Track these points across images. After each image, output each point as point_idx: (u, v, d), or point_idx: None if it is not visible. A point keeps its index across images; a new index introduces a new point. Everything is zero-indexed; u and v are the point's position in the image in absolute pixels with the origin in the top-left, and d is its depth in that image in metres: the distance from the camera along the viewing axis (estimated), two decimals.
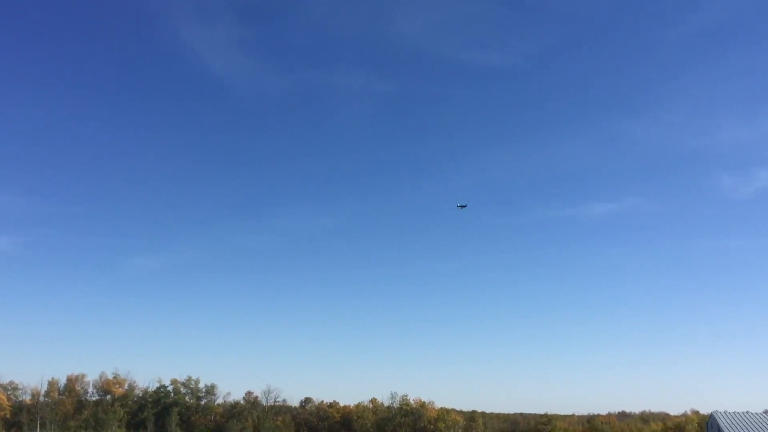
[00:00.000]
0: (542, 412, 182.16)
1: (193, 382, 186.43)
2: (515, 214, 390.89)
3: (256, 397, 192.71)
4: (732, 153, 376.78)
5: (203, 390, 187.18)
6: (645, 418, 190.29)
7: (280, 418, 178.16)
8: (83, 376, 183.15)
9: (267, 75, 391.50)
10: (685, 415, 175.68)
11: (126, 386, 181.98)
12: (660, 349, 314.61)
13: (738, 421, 67.61)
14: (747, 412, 73.06)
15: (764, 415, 75.98)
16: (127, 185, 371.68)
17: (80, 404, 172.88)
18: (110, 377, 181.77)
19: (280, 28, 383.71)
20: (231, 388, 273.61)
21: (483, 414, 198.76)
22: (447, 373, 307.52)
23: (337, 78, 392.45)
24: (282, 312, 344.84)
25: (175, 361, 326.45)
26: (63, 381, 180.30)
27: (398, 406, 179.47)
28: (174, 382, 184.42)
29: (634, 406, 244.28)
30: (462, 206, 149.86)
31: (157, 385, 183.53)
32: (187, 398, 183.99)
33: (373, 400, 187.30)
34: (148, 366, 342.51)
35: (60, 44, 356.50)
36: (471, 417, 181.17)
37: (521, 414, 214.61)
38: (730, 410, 73.05)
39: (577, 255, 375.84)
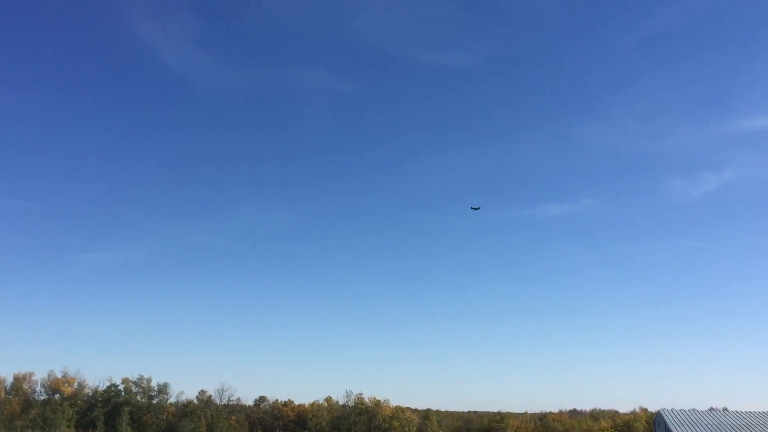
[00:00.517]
0: (495, 410, 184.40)
1: (144, 381, 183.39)
2: (474, 215, 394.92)
3: (210, 396, 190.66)
4: (683, 157, 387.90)
5: (155, 389, 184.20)
6: (595, 415, 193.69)
7: (233, 418, 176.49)
8: (31, 374, 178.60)
9: (225, 72, 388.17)
10: (634, 412, 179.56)
11: (75, 385, 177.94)
12: (611, 348, 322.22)
13: (684, 419, 69.42)
14: (693, 410, 75.05)
15: (709, 412, 78.19)
16: (78, 181, 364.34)
17: (27, 403, 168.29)
18: (59, 376, 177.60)
19: (239, 24, 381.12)
20: (184, 387, 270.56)
21: (437, 412, 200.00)
22: (402, 372, 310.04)
23: (297, 76, 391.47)
24: (236, 310, 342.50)
25: (126, 360, 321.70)
26: (10, 380, 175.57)
27: (353, 404, 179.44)
28: (125, 381, 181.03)
29: (585, 404, 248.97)
30: (475, 208, 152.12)
31: (108, 384, 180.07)
32: (138, 397, 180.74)
33: (328, 399, 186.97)
34: (99, 365, 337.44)
35: (12, 39, 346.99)
36: (425, 415, 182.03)
37: (475, 412, 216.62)
38: (677, 408, 74.96)
39: (533, 255, 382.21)
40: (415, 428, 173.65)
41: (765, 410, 73.66)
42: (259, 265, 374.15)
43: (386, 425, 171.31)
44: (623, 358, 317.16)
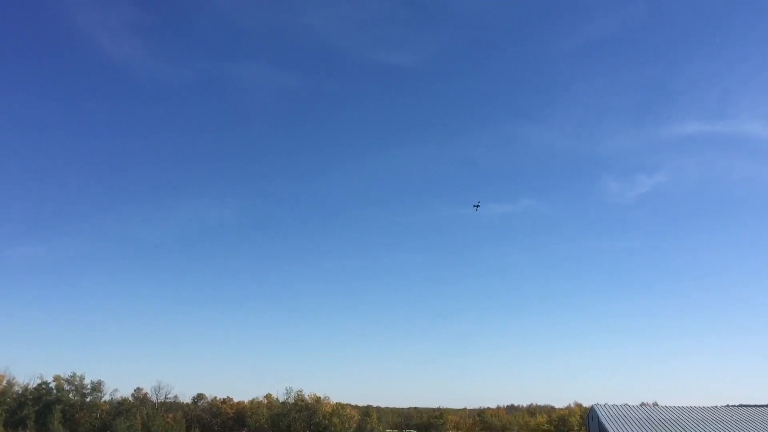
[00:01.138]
0: (435, 407, 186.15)
1: (77, 379, 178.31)
2: (415, 212, 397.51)
3: (146, 393, 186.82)
4: (618, 160, 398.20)
5: (89, 387, 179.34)
6: (532, 410, 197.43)
7: (170, 415, 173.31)
8: None
9: (167, 64, 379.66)
10: (568, 407, 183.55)
11: (4, 383, 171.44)
12: (547, 346, 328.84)
13: (615, 413, 71.34)
14: (625, 405, 77.23)
15: (640, 407, 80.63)
16: (9, 174, 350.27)
17: None
18: None
19: (182, 16, 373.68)
20: (119, 385, 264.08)
21: (378, 409, 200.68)
22: (343, 369, 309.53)
23: (241, 71, 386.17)
24: (174, 307, 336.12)
25: (59, 357, 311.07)
26: None
27: (293, 401, 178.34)
28: (57, 378, 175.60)
29: (522, 400, 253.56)
30: (476, 206, 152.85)
31: (39, 381, 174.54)
32: (71, 395, 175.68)
33: (267, 396, 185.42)
34: (30, 362, 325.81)
35: None
36: (366, 412, 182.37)
37: (415, 408, 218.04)
38: (610, 403, 77.02)
39: (474, 254, 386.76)
40: (355, 424, 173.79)
41: (693, 405, 76.45)
42: (199, 261, 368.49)
43: (326, 422, 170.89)
44: (559, 355, 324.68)
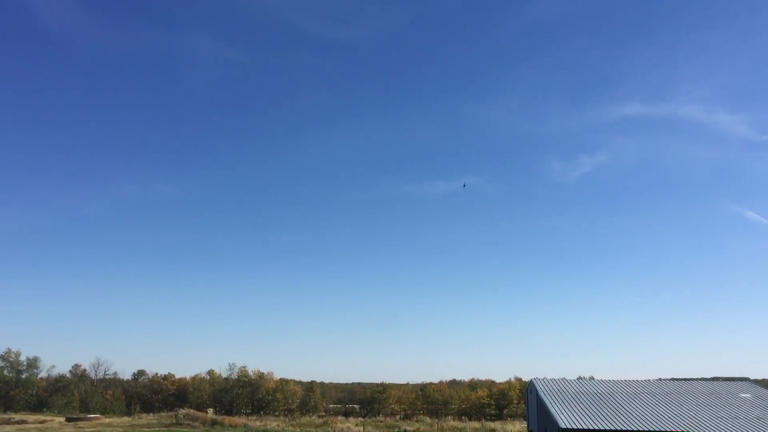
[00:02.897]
0: (378, 382, 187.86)
1: (12, 355, 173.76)
2: (360, 189, 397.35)
3: (84, 370, 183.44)
4: (561, 140, 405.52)
5: (24, 363, 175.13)
6: (473, 385, 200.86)
7: (109, 392, 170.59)
8: None
9: (107, 32, 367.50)
10: (508, 382, 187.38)
11: None
12: (489, 321, 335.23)
13: (553, 387, 73.20)
14: (563, 379, 79.34)
15: (577, 381, 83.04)
16: None
17: None
18: None
19: None
20: (56, 361, 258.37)
21: (321, 384, 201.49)
22: (286, 345, 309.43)
23: (184, 41, 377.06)
24: (115, 282, 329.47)
25: None
26: None
27: (236, 377, 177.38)
28: None
29: (464, 375, 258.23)
30: (464, 185, 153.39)
31: None
32: (5, 372, 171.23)
33: (210, 372, 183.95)
34: None
35: None
36: (309, 387, 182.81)
37: (359, 384, 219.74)
38: (548, 377, 79.02)
39: (419, 230, 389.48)
40: (299, 400, 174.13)
41: (627, 379, 79.10)
42: (141, 236, 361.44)
43: (270, 397, 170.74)
44: (500, 330, 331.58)
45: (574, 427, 58.36)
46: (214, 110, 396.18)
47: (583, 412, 62.99)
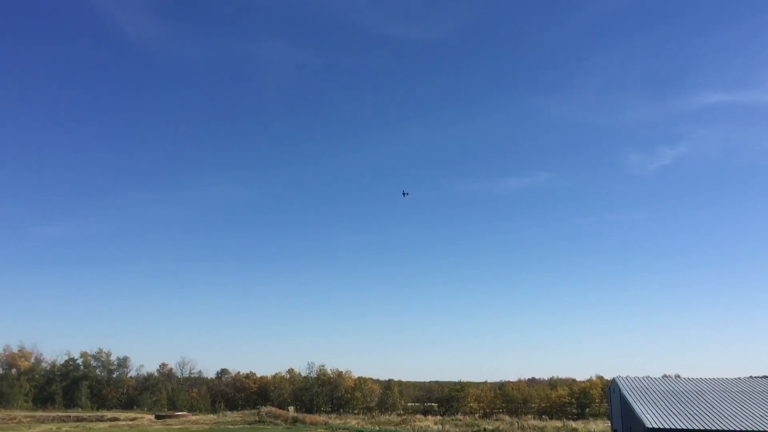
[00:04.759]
0: (456, 380, 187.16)
1: (104, 355, 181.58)
2: (433, 188, 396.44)
3: (171, 369, 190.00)
4: (639, 131, 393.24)
5: (115, 363, 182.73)
6: (553, 383, 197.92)
7: (195, 390, 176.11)
8: None
9: (184, 42, 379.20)
10: (590, 380, 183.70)
11: (32, 360, 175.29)
12: (569, 318, 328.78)
13: (637, 385, 71.24)
14: (647, 377, 77.10)
15: (662, 379, 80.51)
16: (30, 154, 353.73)
17: None
18: (15, 350, 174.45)
19: None
20: (144, 361, 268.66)
21: (399, 383, 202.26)
22: (365, 344, 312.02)
23: (257, 47, 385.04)
24: (198, 283, 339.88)
25: (85, 334, 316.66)
26: None
27: (315, 376, 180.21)
28: (84, 355, 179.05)
29: (543, 373, 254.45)
30: (405, 194, 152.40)
31: (66, 358, 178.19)
32: (97, 371, 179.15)
33: (290, 371, 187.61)
34: (57, 339, 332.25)
35: None
36: (387, 386, 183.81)
37: (436, 382, 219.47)
38: (632, 375, 76.94)
39: (492, 228, 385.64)
40: (377, 398, 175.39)
41: (715, 377, 76.15)
42: (220, 238, 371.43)
43: (348, 396, 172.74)
44: (581, 327, 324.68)
45: (662, 426, 56.64)
46: (287, 113, 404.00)
47: (670, 411, 61.07)
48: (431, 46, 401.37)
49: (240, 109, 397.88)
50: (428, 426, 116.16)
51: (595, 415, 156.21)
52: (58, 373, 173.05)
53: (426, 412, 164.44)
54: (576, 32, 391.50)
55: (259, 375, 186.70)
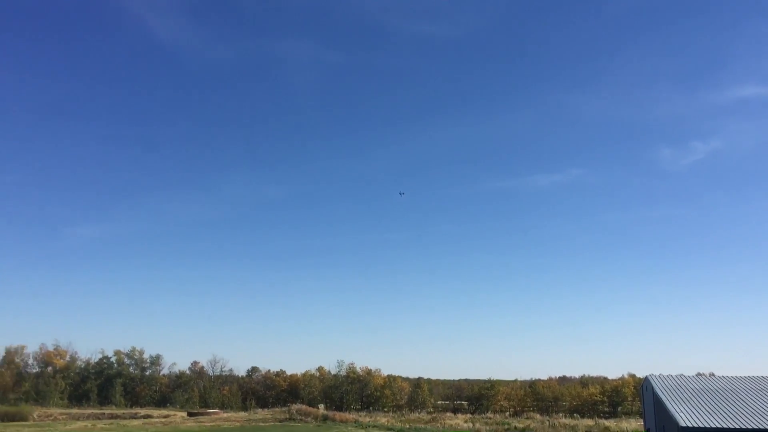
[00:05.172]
0: (486, 378, 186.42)
1: (137, 353, 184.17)
2: (461, 185, 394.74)
3: (202, 367, 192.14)
4: (671, 126, 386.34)
5: (148, 361, 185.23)
6: (584, 381, 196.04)
7: (226, 388, 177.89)
8: (23, 347, 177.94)
9: (214, 43, 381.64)
10: (622, 378, 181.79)
11: (67, 358, 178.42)
12: (600, 316, 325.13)
13: (671, 384, 70.30)
14: (680, 375, 76.09)
15: (696, 377, 79.34)
16: (63, 155, 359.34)
17: (20, 376, 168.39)
18: (51, 349, 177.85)
19: None
20: (176, 359, 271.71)
21: (429, 381, 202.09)
22: (394, 342, 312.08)
23: (284, 47, 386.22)
24: (227, 282, 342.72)
25: (118, 332, 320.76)
26: (1, 353, 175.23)
27: (345, 374, 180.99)
28: (117, 353, 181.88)
29: (574, 371, 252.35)
30: (402, 194, 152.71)
31: (100, 356, 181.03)
32: (131, 369, 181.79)
33: (320, 369, 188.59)
34: (91, 337, 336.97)
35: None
36: (417, 383, 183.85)
37: (466, 380, 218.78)
38: (665, 374, 75.98)
39: (522, 225, 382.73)
40: (406, 396, 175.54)
41: (750, 375, 74.88)
42: (250, 237, 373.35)
43: (378, 394, 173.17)
44: (612, 325, 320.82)
45: (696, 425, 55.84)
46: (315, 113, 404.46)
47: (705, 410, 60.17)
48: (458, 43, 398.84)
49: (269, 110, 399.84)
50: (458, 424, 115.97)
51: (628, 414, 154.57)
52: (93, 371, 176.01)
53: (456, 410, 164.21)
54: (605, 26, 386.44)
55: (289, 373, 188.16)
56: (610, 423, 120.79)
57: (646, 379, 79.03)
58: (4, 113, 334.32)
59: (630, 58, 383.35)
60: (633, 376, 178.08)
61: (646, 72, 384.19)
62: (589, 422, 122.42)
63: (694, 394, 66.16)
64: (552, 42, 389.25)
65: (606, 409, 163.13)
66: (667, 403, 63.11)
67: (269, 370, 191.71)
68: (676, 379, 73.29)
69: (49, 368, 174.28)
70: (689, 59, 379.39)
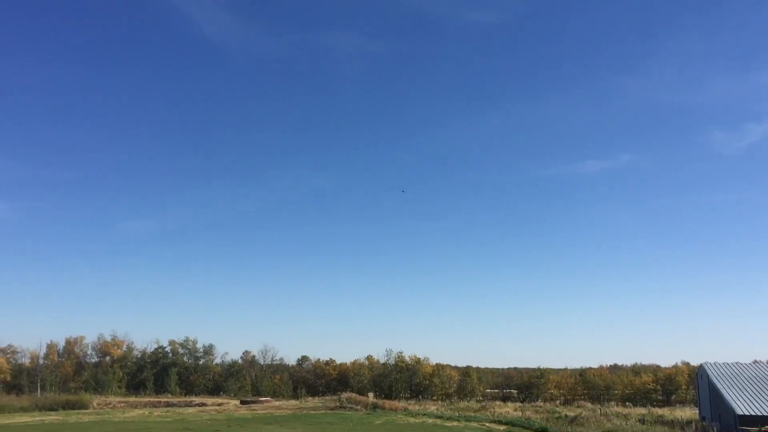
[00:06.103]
0: (535, 366, 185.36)
1: (191, 343, 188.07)
2: (509, 173, 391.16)
3: (254, 356, 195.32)
4: (724, 108, 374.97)
5: (201, 350, 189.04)
6: (636, 370, 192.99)
7: (277, 377, 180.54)
8: (82, 338, 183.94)
9: (259, 38, 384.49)
10: (675, 366, 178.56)
11: (124, 348, 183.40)
12: (652, 303, 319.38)
13: (726, 371, 68.97)
14: (736, 363, 74.49)
15: (753, 365, 77.51)
16: (114, 151, 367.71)
17: (80, 366, 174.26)
18: (108, 339, 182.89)
19: None
20: (229, 348, 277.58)
21: (477, 369, 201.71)
22: (442, 331, 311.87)
23: (327, 40, 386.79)
24: (276, 273, 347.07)
25: (172, 323, 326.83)
26: (62, 344, 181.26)
27: (394, 362, 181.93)
28: (172, 343, 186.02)
29: (626, 359, 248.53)
30: (403, 191, 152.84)
31: (155, 346, 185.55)
32: (185, 358, 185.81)
33: (369, 358, 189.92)
34: (146, 328, 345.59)
35: (39, 8, 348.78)
36: (466, 372, 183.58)
37: (515, 369, 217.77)
38: (720, 361, 74.44)
39: (571, 212, 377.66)
40: (455, 384, 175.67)
41: None
42: (297, 229, 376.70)
43: (427, 382, 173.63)
44: (664, 312, 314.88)
45: (754, 413, 54.80)
46: (358, 104, 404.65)
47: (762, 397, 58.90)
48: (503, 28, 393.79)
49: (313, 102, 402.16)
50: (508, 412, 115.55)
51: (682, 402, 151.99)
52: (149, 360, 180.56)
53: (505, 399, 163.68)
54: (654, 5, 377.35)
55: (338, 362, 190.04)
56: (663, 411, 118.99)
57: (701, 366, 77.70)
58: (64, 114, 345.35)
59: (680, 38, 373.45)
60: (687, 364, 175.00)
61: (698, 52, 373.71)
62: (642, 411, 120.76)
63: (750, 381, 64.86)
64: (599, 23, 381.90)
65: (659, 398, 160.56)
66: (723, 390, 62.03)
67: (319, 359, 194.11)
68: (732, 366, 71.87)
69: (107, 358, 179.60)
70: (741, 39, 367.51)
